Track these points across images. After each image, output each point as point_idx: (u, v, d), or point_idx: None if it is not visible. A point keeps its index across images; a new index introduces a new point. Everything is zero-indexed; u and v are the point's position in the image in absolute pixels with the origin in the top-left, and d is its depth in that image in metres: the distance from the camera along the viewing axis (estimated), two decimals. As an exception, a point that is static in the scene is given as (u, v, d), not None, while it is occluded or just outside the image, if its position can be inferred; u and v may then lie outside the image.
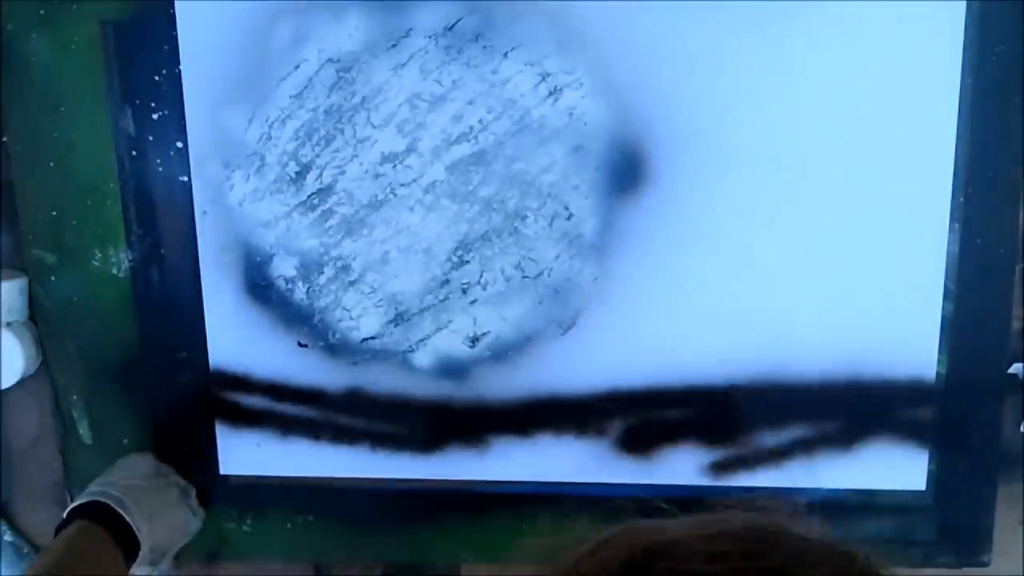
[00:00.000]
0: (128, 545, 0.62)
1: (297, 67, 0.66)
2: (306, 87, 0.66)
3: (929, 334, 0.68)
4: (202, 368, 0.71)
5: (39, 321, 0.72)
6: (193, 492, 0.72)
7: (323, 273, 0.69)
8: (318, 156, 0.67)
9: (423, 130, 0.66)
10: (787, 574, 0.28)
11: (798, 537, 0.31)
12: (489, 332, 0.69)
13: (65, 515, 0.63)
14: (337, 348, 0.71)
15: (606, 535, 0.31)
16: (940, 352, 0.68)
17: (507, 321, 0.69)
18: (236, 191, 0.68)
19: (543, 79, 0.65)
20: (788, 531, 0.31)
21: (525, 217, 0.67)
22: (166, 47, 0.66)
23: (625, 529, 0.31)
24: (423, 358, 0.70)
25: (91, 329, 0.71)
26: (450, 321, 0.69)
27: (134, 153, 0.68)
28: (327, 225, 0.68)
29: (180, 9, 0.65)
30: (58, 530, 0.62)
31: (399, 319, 0.70)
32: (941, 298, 0.67)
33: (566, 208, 0.67)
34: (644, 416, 0.70)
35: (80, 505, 0.63)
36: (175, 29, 0.66)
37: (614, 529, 0.31)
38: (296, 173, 0.68)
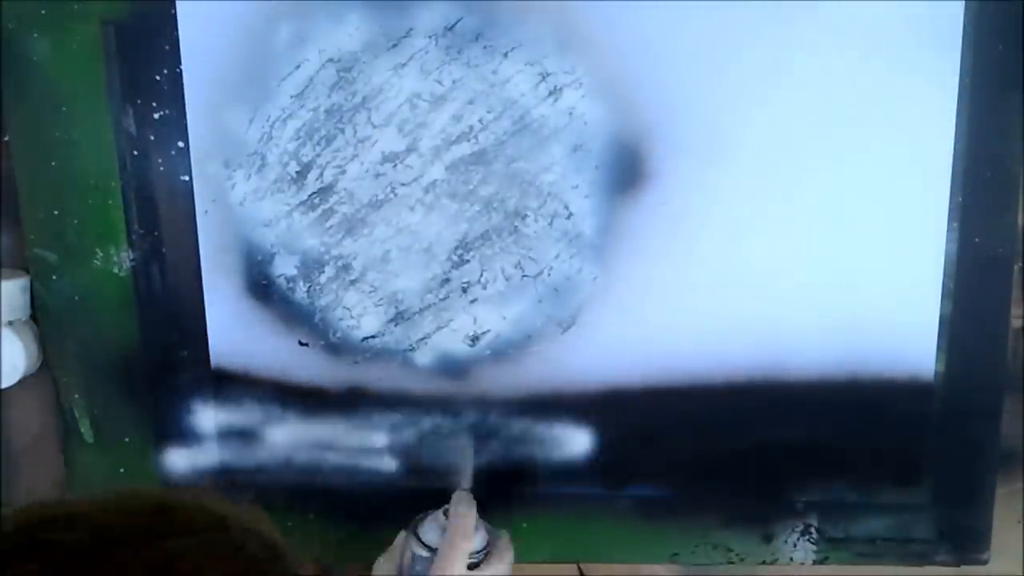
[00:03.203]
0: None
1: (298, 67, 0.66)
2: (307, 87, 0.66)
3: (928, 333, 0.68)
4: (203, 367, 0.72)
5: (41, 320, 0.72)
6: None
7: (324, 272, 0.69)
8: (319, 155, 0.67)
9: (423, 130, 0.66)
10: (163, 541, 0.31)
11: (198, 509, 0.34)
12: (489, 331, 0.70)
13: None
14: (338, 347, 0.71)
15: (18, 508, 0.33)
16: (939, 351, 0.69)
17: (507, 320, 0.69)
18: (237, 190, 0.68)
19: (543, 79, 0.65)
20: (191, 504, 0.34)
21: (525, 216, 0.68)
22: (167, 47, 0.66)
23: (35, 502, 0.33)
24: (423, 357, 0.71)
25: (92, 328, 0.72)
26: (450, 320, 0.70)
27: (135, 152, 0.68)
28: (328, 224, 0.69)
29: (181, 9, 0.65)
30: None
31: (399, 318, 0.70)
32: (940, 297, 0.68)
33: (566, 207, 0.67)
34: (644, 415, 0.71)
35: None
36: (176, 29, 0.66)
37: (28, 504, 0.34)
38: (297, 172, 0.68)
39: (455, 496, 0.65)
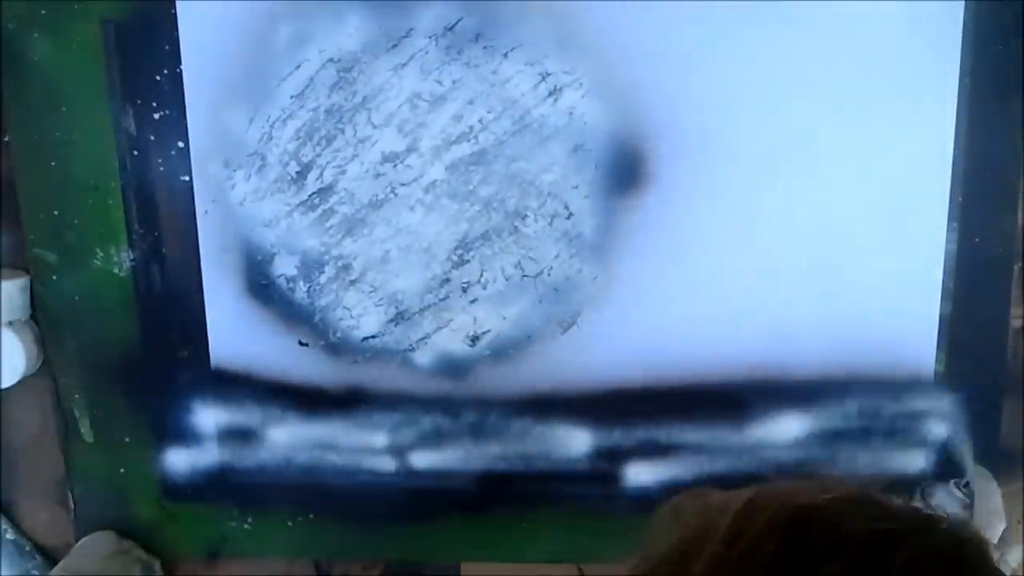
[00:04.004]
0: None
1: (298, 67, 0.66)
2: (307, 87, 0.66)
3: (927, 333, 0.68)
4: (203, 367, 0.72)
5: (40, 320, 0.72)
6: (157, 564, 0.73)
7: (324, 272, 0.69)
8: (319, 156, 0.67)
9: (423, 130, 0.67)
10: (916, 533, 0.31)
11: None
12: (489, 331, 0.70)
13: None
14: (338, 347, 0.71)
15: (743, 497, 0.33)
16: (939, 351, 0.69)
17: (507, 320, 0.69)
18: (237, 190, 0.69)
19: (543, 79, 0.65)
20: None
21: (525, 216, 0.68)
22: (167, 47, 0.66)
23: (764, 492, 0.33)
24: (423, 357, 0.71)
25: (92, 328, 0.72)
26: (450, 320, 0.70)
27: (135, 152, 0.68)
28: (328, 224, 0.69)
29: (181, 9, 0.65)
30: None
31: (399, 318, 0.70)
32: (939, 297, 0.68)
33: (566, 207, 0.67)
34: (644, 415, 0.71)
35: None
36: (176, 29, 0.66)
37: (743, 492, 0.33)
38: (297, 173, 0.68)
39: (977, 472, 0.65)
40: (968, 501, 0.63)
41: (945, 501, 0.64)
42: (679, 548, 0.32)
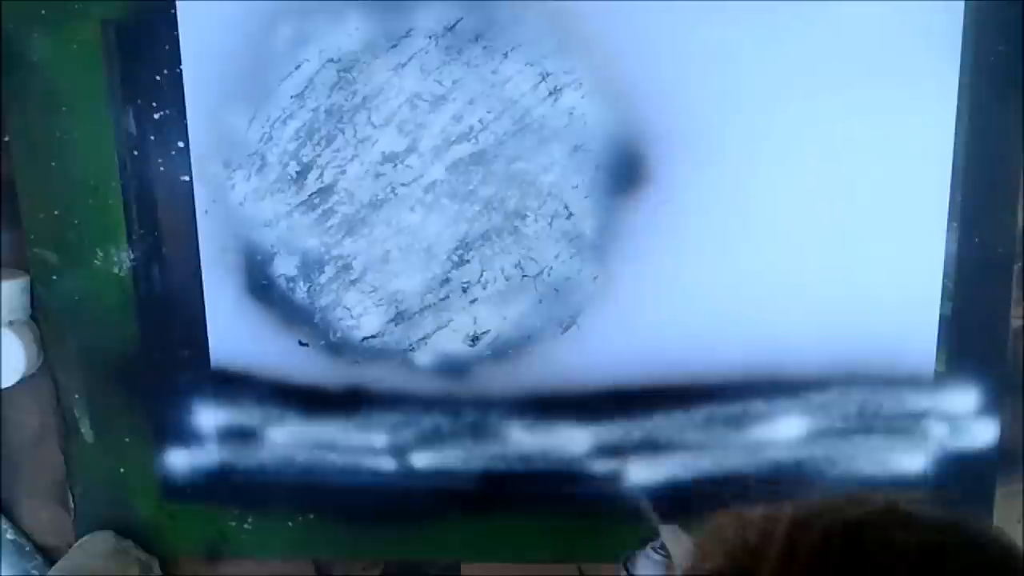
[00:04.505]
0: None
1: (298, 67, 0.66)
2: (307, 87, 0.66)
3: (928, 332, 0.68)
4: (203, 367, 0.72)
5: (41, 320, 0.72)
6: (155, 563, 0.73)
7: (324, 272, 0.69)
8: (319, 156, 0.67)
9: (423, 130, 0.67)
10: (965, 544, 0.33)
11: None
12: (489, 331, 0.70)
13: None
14: (338, 347, 0.71)
15: (785, 516, 0.34)
16: (939, 351, 0.69)
17: (507, 320, 0.69)
18: (237, 190, 0.69)
19: (543, 79, 0.65)
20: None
21: (525, 216, 0.68)
22: (167, 47, 0.66)
23: (804, 509, 0.34)
24: (423, 357, 0.71)
25: (93, 328, 0.72)
26: (450, 320, 0.70)
27: (135, 153, 0.68)
28: (328, 224, 0.69)
29: (181, 9, 0.65)
30: None
31: (400, 318, 0.70)
32: (940, 297, 0.68)
33: (566, 207, 0.67)
34: (644, 415, 0.71)
35: None
36: (176, 29, 0.66)
37: (781, 511, 0.34)
38: (297, 173, 0.68)
39: (665, 531, 0.64)
40: (668, 559, 0.63)
41: (648, 567, 0.64)
42: (728, 569, 0.32)
